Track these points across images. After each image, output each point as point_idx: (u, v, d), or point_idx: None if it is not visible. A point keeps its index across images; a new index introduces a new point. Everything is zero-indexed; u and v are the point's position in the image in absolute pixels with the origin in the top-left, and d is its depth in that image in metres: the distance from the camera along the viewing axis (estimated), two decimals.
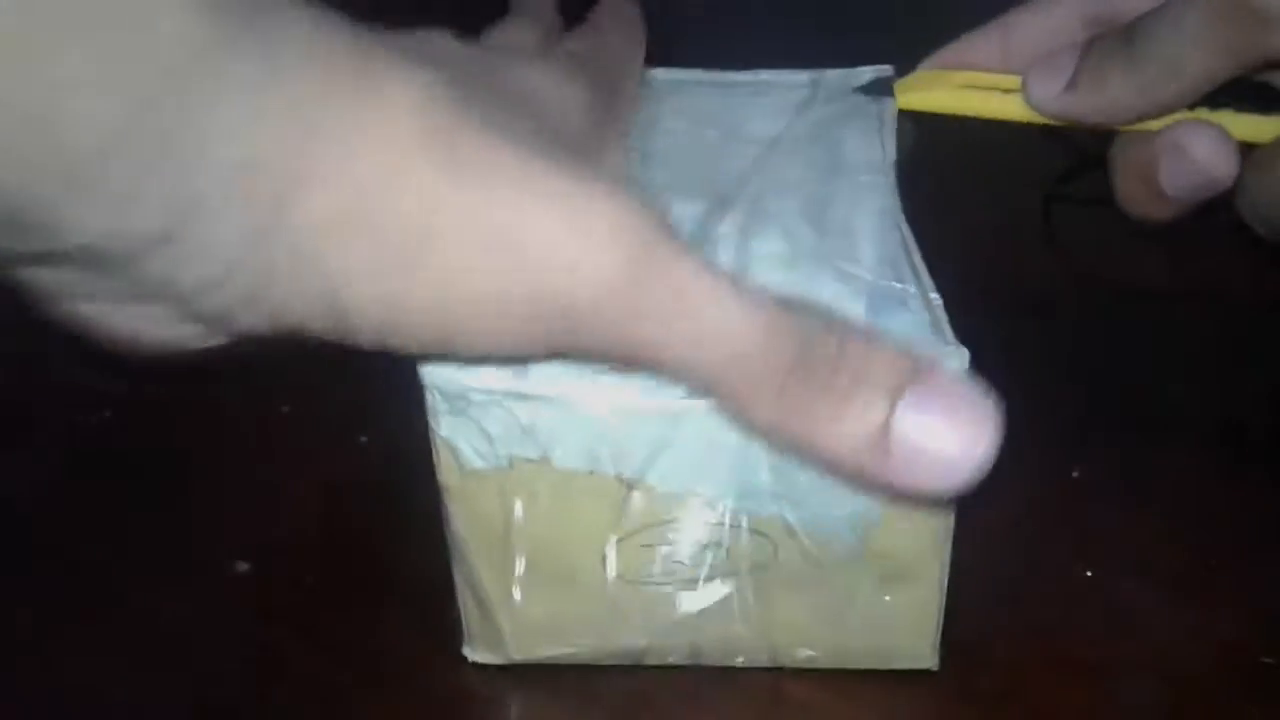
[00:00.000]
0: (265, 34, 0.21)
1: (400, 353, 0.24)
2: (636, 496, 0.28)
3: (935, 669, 0.30)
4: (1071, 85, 0.34)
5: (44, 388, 0.41)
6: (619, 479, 0.28)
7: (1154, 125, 0.34)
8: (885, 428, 0.23)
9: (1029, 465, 0.28)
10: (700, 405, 0.26)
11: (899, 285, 0.29)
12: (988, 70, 0.36)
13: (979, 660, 0.31)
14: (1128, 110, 0.33)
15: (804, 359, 0.24)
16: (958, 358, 0.27)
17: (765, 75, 0.38)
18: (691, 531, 0.28)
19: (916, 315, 0.28)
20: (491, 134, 0.23)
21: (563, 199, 0.23)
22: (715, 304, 0.24)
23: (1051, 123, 0.35)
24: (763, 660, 0.30)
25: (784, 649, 0.30)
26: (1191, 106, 0.33)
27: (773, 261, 0.29)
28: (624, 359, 0.25)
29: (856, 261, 0.30)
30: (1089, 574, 0.33)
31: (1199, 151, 0.33)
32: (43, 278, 0.22)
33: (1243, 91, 0.33)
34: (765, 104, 0.36)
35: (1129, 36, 0.33)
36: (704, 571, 0.29)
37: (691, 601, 0.29)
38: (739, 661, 0.30)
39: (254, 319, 0.23)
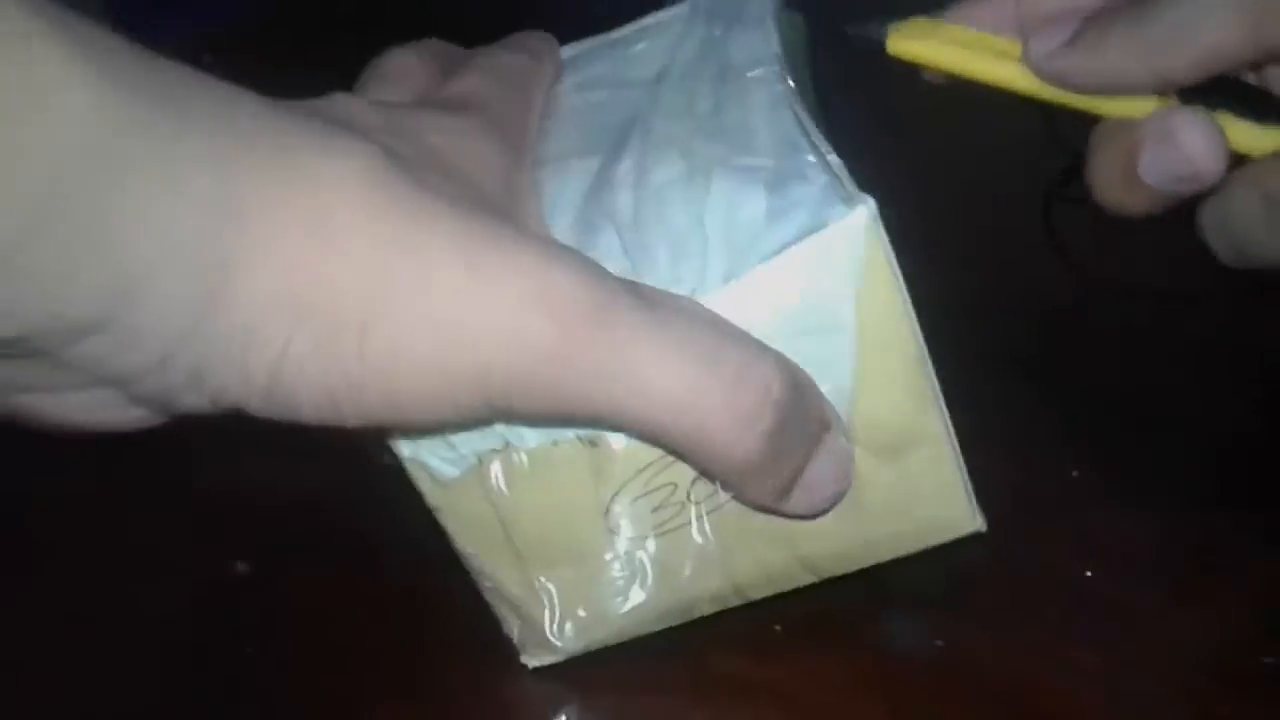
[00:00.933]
0: (178, 114, 0.21)
1: (342, 430, 0.24)
2: (604, 453, 0.28)
3: (984, 530, 0.30)
4: (1070, 44, 0.31)
5: None
6: (581, 441, 0.27)
7: (1141, 111, 0.32)
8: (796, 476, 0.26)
9: (1029, 465, 0.28)
10: None
11: (796, 161, 0.28)
12: (996, 32, 0.34)
13: (979, 660, 0.31)
14: (1123, 76, 0.31)
15: (739, 418, 0.25)
16: (863, 206, 0.26)
17: (647, 20, 0.37)
18: (672, 469, 0.28)
19: (815, 183, 0.27)
20: (427, 206, 0.23)
21: (495, 269, 0.23)
22: (653, 361, 0.24)
23: (1043, 94, 0.33)
24: (808, 578, 0.30)
25: (820, 560, 0.30)
26: (1187, 101, 0.31)
27: (672, 187, 0.29)
28: (569, 419, 0.25)
29: (753, 153, 0.29)
30: (1089, 574, 0.33)
31: (1188, 141, 0.30)
32: None
33: (1243, 95, 0.32)
34: (650, 45, 0.35)
35: (1140, 2, 0.31)
36: (705, 505, 0.29)
37: (706, 538, 0.29)
38: (787, 583, 0.30)
39: (196, 400, 0.23)
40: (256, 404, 0.23)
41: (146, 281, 0.20)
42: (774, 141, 0.29)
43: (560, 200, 0.30)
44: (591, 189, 0.30)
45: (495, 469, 0.28)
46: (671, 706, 0.31)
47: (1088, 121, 0.34)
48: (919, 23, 0.35)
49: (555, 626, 0.30)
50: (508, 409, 0.24)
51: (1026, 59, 0.32)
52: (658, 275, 0.27)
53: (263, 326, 0.22)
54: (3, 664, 0.32)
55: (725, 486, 0.28)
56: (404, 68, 0.31)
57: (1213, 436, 0.38)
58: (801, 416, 0.26)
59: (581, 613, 0.30)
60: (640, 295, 0.24)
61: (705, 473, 0.27)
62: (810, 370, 0.27)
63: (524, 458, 0.28)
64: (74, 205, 0.19)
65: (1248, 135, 0.31)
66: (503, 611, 0.30)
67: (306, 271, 0.22)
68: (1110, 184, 0.33)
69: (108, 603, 0.33)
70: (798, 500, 0.27)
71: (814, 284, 0.26)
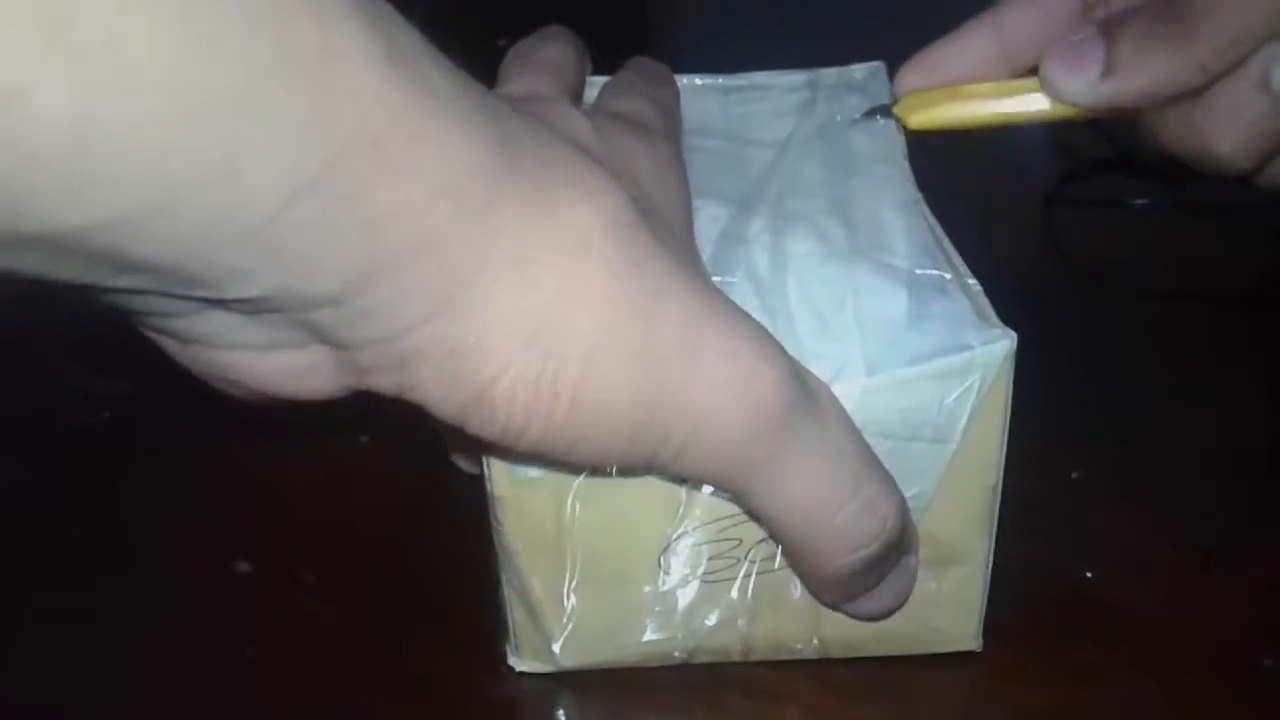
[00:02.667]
0: (455, 115, 0.21)
1: (503, 450, 0.25)
2: (693, 494, 0.28)
3: (979, 650, 0.31)
4: (1110, 71, 0.31)
5: (44, 388, 0.41)
6: (675, 481, 0.28)
7: None
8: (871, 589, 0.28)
9: (1029, 465, 0.28)
10: None
11: (936, 273, 0.29)
12: (985, 69, 0.34)
13: (978, 659, 0.31)
14: (1181, 88, 0.31)
15: (852, 543, 0.26)
16: (1006, 340, 0.27)
17: (760, 77, 0.38)
18: (747, 526, 0.28)
19: (958, 301, 0.28)
20: (660, 268, 0.23)
21: (711, 351, 0.24)
22: (808, 475, 0.25)
23: (1073, 115, 0.33)
24: (811, 653, 0.31)
25: (833, 639, 0.30)
26: None
27: (809, 260, 0.29)
28: (710, 484, 0.27)
29: (891, 252, 0.30)
30: (1089, 574, 0.33)
31: None
32: (197, 325, 0.22)
33: None
34: (766, 106, 0.36)
35: (1173, 7, 0.30)
36: (757, 566, 0.29)
37: (744, 596, 0.29)
38: (790, 654, 0.31)
39: (384, 383, 0.23)
40: (446, 409, 0.23)
41: (391, 272, 0.20)
42: (910, 247, 0.30)
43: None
44: (722, 238, 0.30)
45: (579, 480, 0.28)
46: (668, 706, 0.31)
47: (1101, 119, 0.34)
48: (917, 96, 0.35)
49: (563, 641, 0.30)
50: (666, 469, 0.25)
51: (1056, 96, 0.32)
52: (797, 344, 0.27)
53: (488, 344, 0.22)
54: (4, 664, 0.32)
55: (803, 579, 0.29)
56: (558, 60, 0.30)
57: (1212, 437, 0.38)
58: (897, 546, 0.27)
59: (595, 634, 0.30)
60: (808, 391, 0.25)
61: (793, 565, 0.28)
62: (905, 473, 0.27)
63: (612, 476, 0.28)
64: (340, 185, 0.19)
65: None
66: (516, 613, 0.30)
67: (547, 309, 0.22)
68: (1224, 132, 0.31)
69: (105, 602, 0.33)
70: (859, 605, 0.29)
71: (941, 398, 0.27)
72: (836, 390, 0.26)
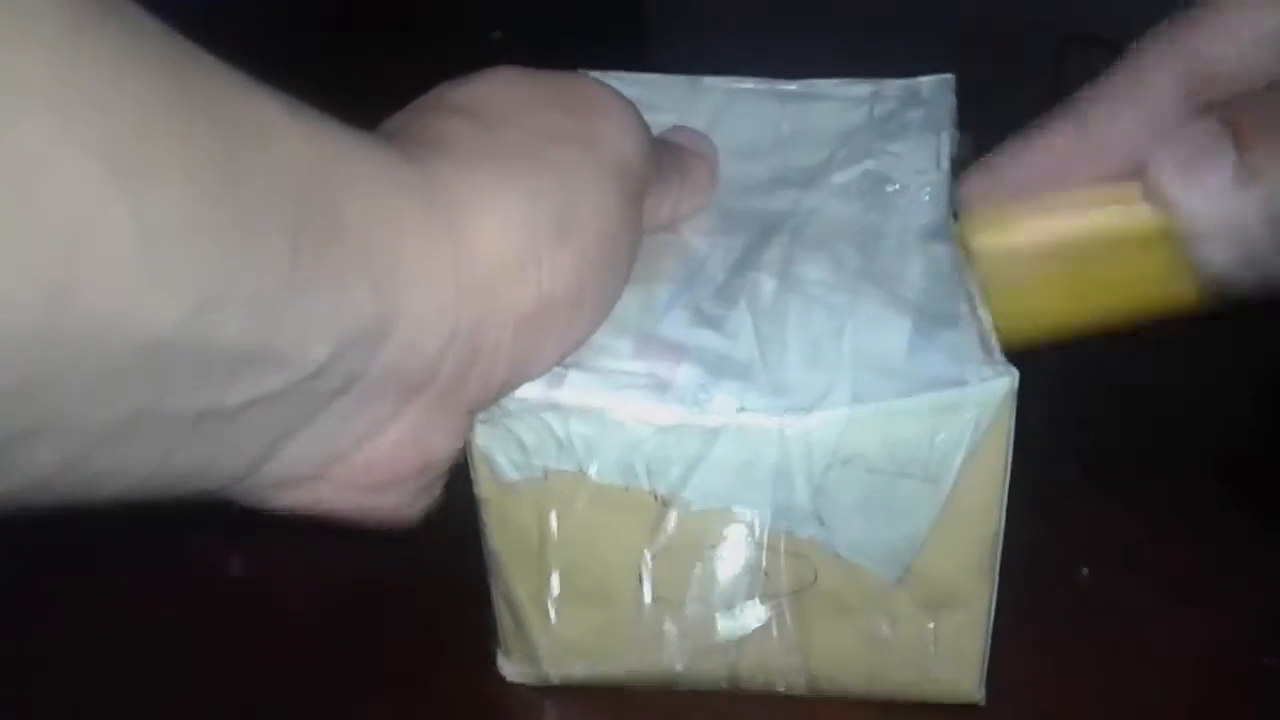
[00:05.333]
0: (378, 165, 0.23)
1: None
2: (672, 513, 0.27)
3: (981, 704, 0.30)
4: (1247, 173, 0.24)
5: None
6: (654, 495, 0.27)
7: None
8: None
9: (1027, 466, 0.28)
10: (737, 421, 0.26)
11: (948, 304, 0.28)
12: (1072, 174, 0.28)
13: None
14: None
15: None
16: (1005, 378, 0.26)
17: (823, 86, 0.36)
18: (728, 551, 0.28)
19: (964, 334, 0.27)
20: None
21: None
22: None
23: (1200, 234, 0.25)
24: (801, 688, 0.30)
25: (824, 677, 0.30)
26: None
27: (818, 287, 0.29)
28: None
29: (904, 282, 0.29)
30: (1086, 573, 0.33)
31: None
32: (319, 437, 0.23)
33: None
34: (822, 122, 0.35)
35: None
36: (742, 594, 0.28)
37: (729, 625, 0.29)
38: (778, 689, 0.30)
39: (478, 385, 0.25)
40: (532, 356, 0.26)
41: (413, 271, 0.22)
42: (926, 275, 0.29)
43: (700, 274, 0.29)
44: (733, 268, 0.29)
45: (558, 487, 0.27)
46: (667, 705, 0.30)
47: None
48: (987, 213, 0.30)
49: (549, 651, 0.30)
50: None
51: (1172, 205, 0.26)
52: (785, 371, 0.27)
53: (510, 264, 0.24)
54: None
55: None
56: None
57: (1211, 436, 0.38)
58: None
59: (578, 649, 0.30)
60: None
61: None
62: (892, 512, 0.27)
63: (591, 487, 0.27)
64: (324, 219, 0.21)
65: None
66: (503, 618, 0.30)
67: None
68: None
69: (106, 602, 0.33)
70: None
71: (933, 434, 0.26)
72: (815, 420, 0.26)
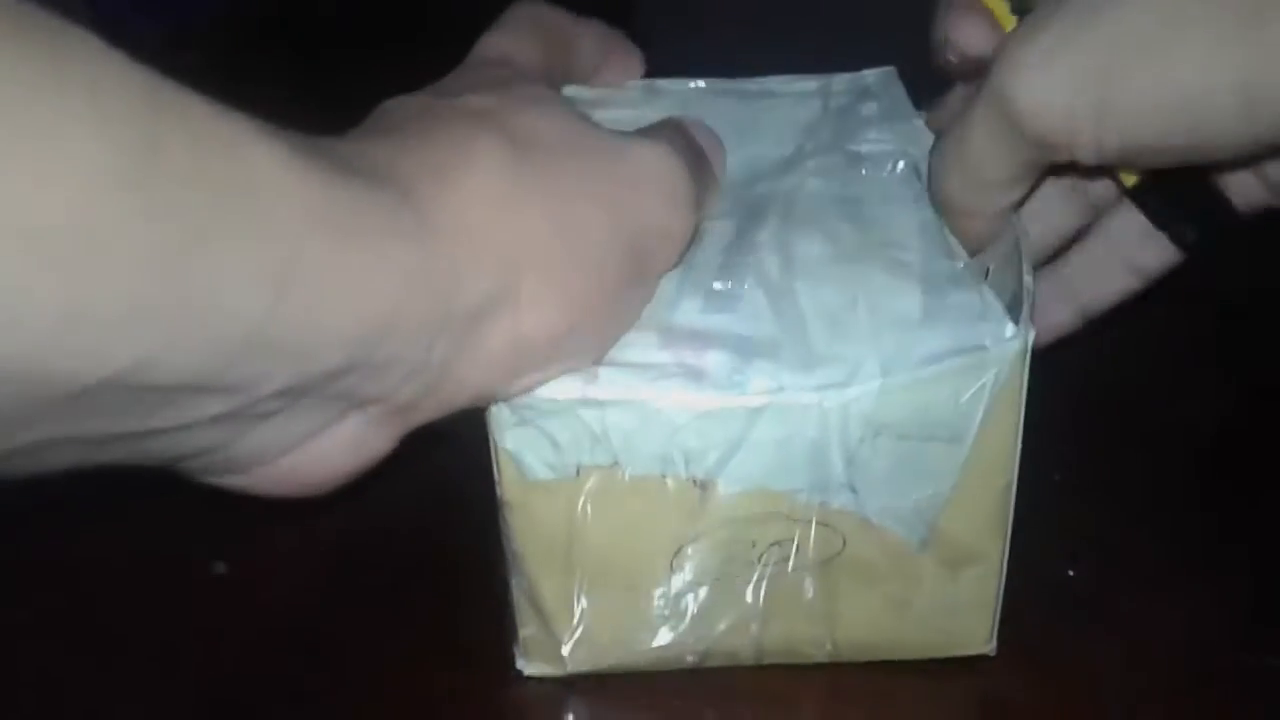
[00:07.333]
0: (364, 173, 0.22)
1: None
2: (709, 497, 0.28)
3: (993, 654, 0.31)
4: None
5: None
6: (692, 480, 0.28)
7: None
8: None
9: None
10: (777, 400, 0.27)
11: (949, 264, 0.29)
12: None
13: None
14: None
15: None
16: (1020, 338, 0.27)
17: (772, 83, 0.37)
18: (761, 528, 0.28)
19: (971, 293, 0.28)
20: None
21: None
22: None
23: None
24: (824, 655, 0.30)
25: (847, 643, 0.30)
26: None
27: (819, 262, 0.29)
28: None
29: (903, 248, 0.30)
30: (1070, 574, 0.33)
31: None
32: (250, 445, 0.23)
33: None
34: (778, 114, 0.36)
35: None
36: (771, 569, 0.29)
37: (758, 599, 0.29)
38: (803, 658, 0.31)
39: (432, 408, 0.25)
40: (493, 387, 0.25)
41: (391, 322, 0.22)
42: (921, 240, 0.30)
43: (698, 257, 0.29)
44: (729, 249, 0.30)
45: (592, 482, 0.27)
46: (678, 712, 0.31)
47: None
48: None
49: (573, 645, 0.30)
50: None
51: None
52: (809, 345, 0.27)
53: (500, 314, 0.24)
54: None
55: None
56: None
57: (1195, 438, 0.38)
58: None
59: (605, 638, 0.30)
60: None
61: None
62: (922, 475, 0.28)
63: (625, 479, 0.27)
64: (309, 271, 0.20)
65: None
66: (524, 616, 0.30)
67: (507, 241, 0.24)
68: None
69: (106, 602, 0.33)
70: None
71: (956, 397, 0.27)
72: (852, 393, 0.27)
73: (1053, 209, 0.33)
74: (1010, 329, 0.27)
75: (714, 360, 0.27)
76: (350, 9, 0.66)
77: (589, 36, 0.34)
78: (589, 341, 0.27)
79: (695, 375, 0.27)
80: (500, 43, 0.30)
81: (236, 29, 0.65)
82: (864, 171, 0.33)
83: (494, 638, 0.31)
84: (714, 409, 0.27)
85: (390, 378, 0.23)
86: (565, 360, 0.26)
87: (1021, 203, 0.30)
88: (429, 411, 0.25)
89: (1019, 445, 0.28)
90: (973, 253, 0.30)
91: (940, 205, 0.30)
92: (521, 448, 0.27)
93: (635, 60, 0.35)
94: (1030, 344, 0.27)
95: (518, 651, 0.31)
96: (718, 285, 0.29)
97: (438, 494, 0.34)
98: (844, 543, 0.29)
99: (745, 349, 0.27)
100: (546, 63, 0.31)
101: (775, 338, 0.27)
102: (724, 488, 0.28)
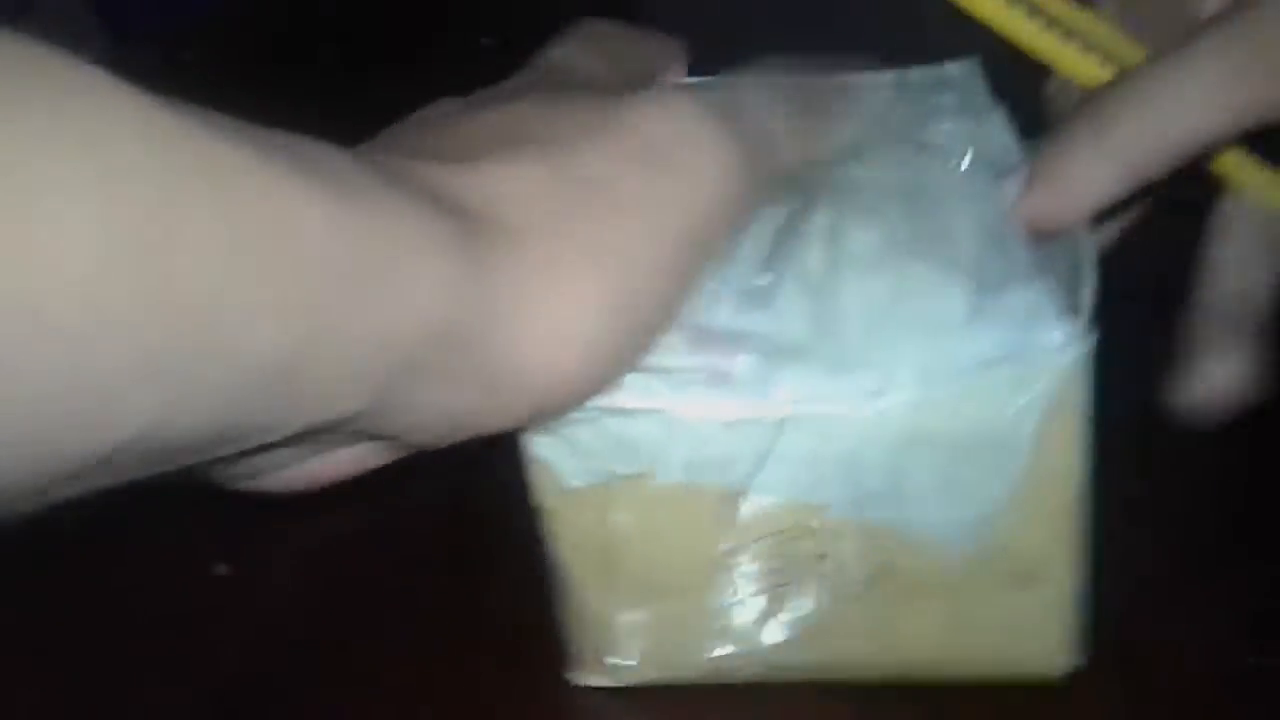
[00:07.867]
0: (392, 212, 0.21)
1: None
2: (742, 507, 0.27)
3: (1068, 682, 0.29)
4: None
5: None
6: (723, 490, 0.27)
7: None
8: None
9: None
10: (803, 410, 0.26)
11: (1005, 259, 0.27)
12: None
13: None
14: None
15: None
16: (1079, 340, 0.25)
17: (849, 78, 0.35)
18: (801, 541, 0.27)
19: (1027, 291, 0.26)
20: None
21: None
22: None
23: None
24: (883, 675, 0.29)
25: (909, 666, 0.29)
26: None
27: (866, 255, 0.28)
28: None
29: (956, 242, 0.28)
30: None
31: None
32: (259, 464, 0.24)
33: None
34: (853, 105, 0.34)
35: None
36: (818, 583, 0.28)
37: (807, 614, 0.28)
38: (864, 675, 0.29)
39: (432, 438, 0.24)
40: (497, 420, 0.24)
41: (411, 370, 0.21)
42: (978, 232, 0.28)
43: (742, 249, 0.28)
44: (776, 237, 0.28)
45: (624, 490, 0.27)
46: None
47: None
48: None
49: (623, 656, 0.29)
50: None
51: None
52: (844, 347, 0.26)
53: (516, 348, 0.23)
54: None
55: None
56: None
57: (1199, 441, 0.38)
58: None
59: (653, 650, 0.29)
60: None
61: None
62: (971, 486, 0.26)
63: (657, 488, 0.27)
64: (337, 315, 0.19)
65: None
66: (571, 627, 0.30)
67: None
68: None
69: (106, 601, 0.33)
70: None
71: (1006, 405, 0.25)
72: (885, 402, 0.25)
73: None
74: (1065, 332, 0.25)
75: (742, 365, 0.26)
76: (350, 9, 0.66)
77: (652, 49, 0.33)
78: (626, 364, 0.26)
79: (721, 381, 0.26)
80: (563, 53, 0.30)
81: (237, 29, 0.65)
82: (930, 162, 0.31)
83: (493, 637, 0.31)
84: (738, 419, 0.26)
85: (402, 421, 0.23)
86: (597, 390, 0.25)
87: None
88: (440, 440, 0.24)
89: (1088, 454, 0.26)
90: (1041, 243, 0.28)
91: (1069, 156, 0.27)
92: (551, 455, 0.27)
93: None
94: (1093, 348, 0.25)
95: (569, 661, 0.30)
96: (753, 283, 0.28)
97: (447, 493, 0.34)
98: (892, 558, 0.27)
99: (776, 352, 0.26)
100: (609, 74, 0.31)
101: (809, 340, 0.26)
102: (755, 498, 0.27)
